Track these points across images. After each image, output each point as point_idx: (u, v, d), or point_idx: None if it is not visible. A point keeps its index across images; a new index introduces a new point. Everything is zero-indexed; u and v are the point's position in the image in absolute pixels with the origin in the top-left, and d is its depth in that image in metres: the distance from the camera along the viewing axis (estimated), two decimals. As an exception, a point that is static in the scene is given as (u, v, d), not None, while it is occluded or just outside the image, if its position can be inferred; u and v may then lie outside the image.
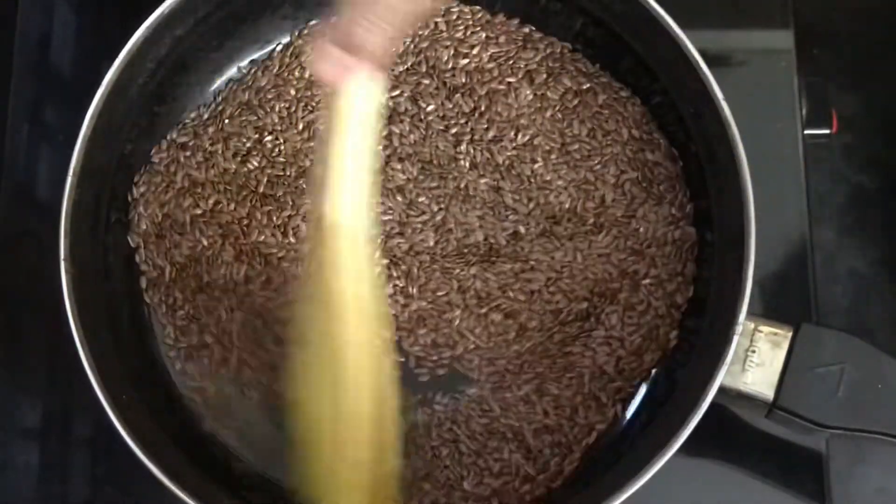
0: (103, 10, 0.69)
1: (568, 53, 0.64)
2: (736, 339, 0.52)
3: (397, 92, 0.63)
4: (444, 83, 0.63)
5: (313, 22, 0.65)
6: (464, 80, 0.63)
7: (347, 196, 0.43)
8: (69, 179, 0.55)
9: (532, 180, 0.61)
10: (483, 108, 0.62)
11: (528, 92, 0.62)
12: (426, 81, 0.63)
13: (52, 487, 0.61)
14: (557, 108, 0.62)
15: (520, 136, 0.62)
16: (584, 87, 0.63)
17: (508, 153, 0.62)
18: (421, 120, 0.63)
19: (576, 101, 0.62)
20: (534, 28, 0.64)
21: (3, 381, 0.63)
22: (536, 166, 0.61)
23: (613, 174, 0.61)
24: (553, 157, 0.62)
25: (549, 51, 0.63)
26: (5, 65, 0.67)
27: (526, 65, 0.63)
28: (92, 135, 0.56)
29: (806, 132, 0.65)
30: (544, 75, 0.63)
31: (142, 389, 0.58)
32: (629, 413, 0.60)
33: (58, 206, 0.55)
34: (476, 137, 0.62)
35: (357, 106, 0.42)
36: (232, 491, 0.58)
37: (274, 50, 0.64)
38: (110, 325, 0.58)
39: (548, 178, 0.61)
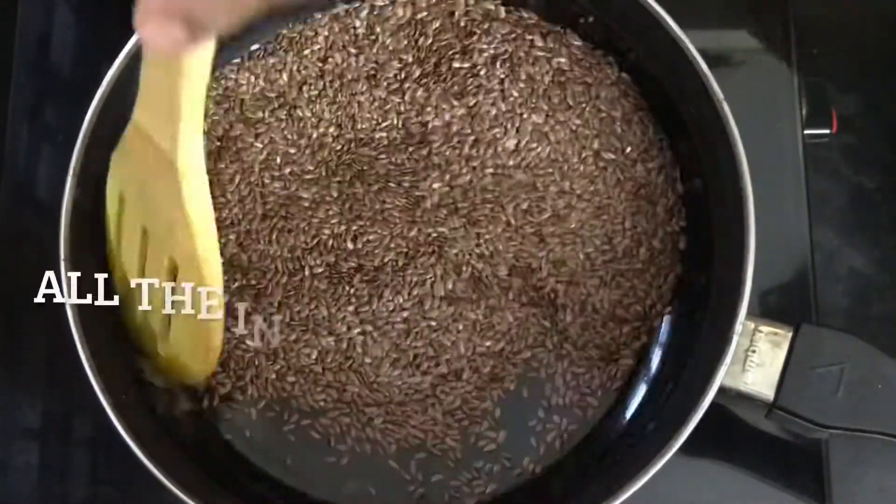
0: (103, 10, 0.69)
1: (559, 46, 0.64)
2: (736, 339, 0.52)
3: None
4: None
5: (318, 16, 0.65)
6: (462, 84, 0.63)
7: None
8: (69, 179, 0.55)
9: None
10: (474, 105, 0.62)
11: (521, 85, 0.62)
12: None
13: (52, 487, 0.61)
14: (546, 97, 0.63)
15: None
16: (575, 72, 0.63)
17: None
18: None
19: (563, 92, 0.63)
20: (533, 21, 0.64)
21: (3, 381, 0.63)
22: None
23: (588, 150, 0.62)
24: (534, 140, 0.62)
25: (546, 42, 0.63)
26: (5, 65, 0.67)
27: (522, 56, 0.63)
28: (92, 135, 0.56)
29: (806, 132, 0.65)
30: (537, 66, 0.63)
31: (142, 389, 0.58)
32: (629, 413, 0.60)
33: (58, 206, 0.55)
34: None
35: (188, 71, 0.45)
36: (232, 490, 0.58)
37: (274, 48, 0.65)
38: (110, 325, 0.58)
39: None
